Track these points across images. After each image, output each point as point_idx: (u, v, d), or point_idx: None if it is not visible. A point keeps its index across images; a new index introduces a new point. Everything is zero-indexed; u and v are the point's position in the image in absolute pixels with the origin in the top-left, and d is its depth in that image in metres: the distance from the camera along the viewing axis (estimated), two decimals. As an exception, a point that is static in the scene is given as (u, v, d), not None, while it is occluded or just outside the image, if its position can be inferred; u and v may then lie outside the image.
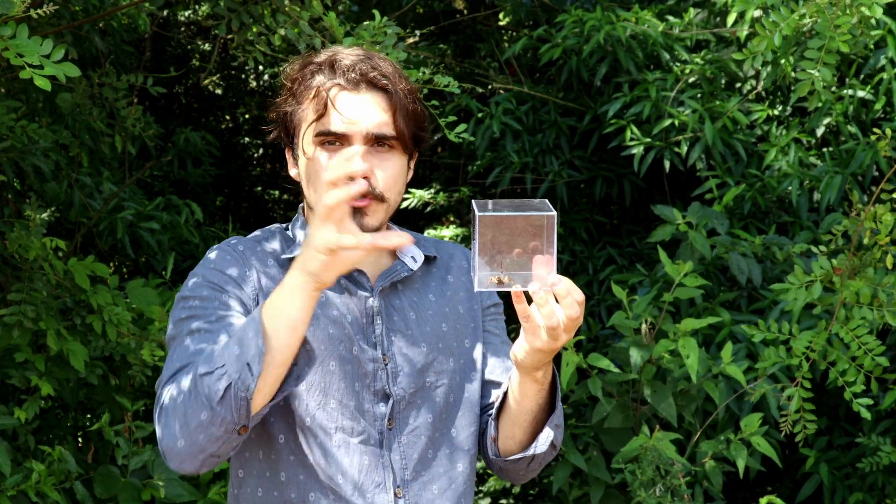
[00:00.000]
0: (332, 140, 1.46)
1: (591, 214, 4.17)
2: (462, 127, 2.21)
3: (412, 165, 1.57)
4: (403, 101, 1.48)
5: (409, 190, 4.44)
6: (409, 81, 1.51)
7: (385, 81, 1.47)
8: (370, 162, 1.46)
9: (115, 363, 2.97)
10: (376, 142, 1.47)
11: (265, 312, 1.29)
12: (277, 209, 5.42)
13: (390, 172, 1.48)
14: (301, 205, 1.60)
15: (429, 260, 1.59)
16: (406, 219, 4.73)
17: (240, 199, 5.35)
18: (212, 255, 1.51)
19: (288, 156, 1.56)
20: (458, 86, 2.15)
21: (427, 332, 1.53)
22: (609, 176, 4.03)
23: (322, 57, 1.49)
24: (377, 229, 1.50)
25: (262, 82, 5.12)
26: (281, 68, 1.55)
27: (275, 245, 1.55)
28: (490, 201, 1.31)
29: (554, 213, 1.25)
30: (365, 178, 1.45)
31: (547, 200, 1.31)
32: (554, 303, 1.30)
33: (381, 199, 1.47)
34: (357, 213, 1.46)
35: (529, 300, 1.32)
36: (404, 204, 4.42)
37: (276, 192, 5.44)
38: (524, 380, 1.44)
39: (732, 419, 3.12)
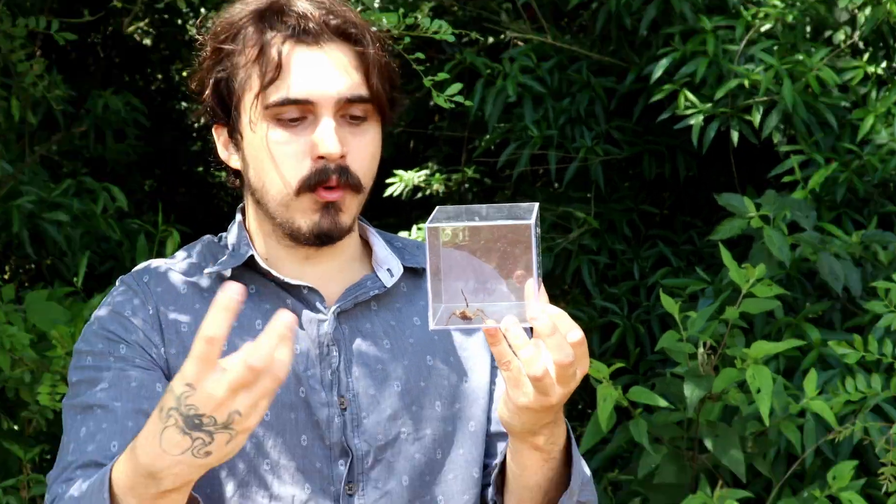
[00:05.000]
0: (296, 117, 1.46)
1: (636, 203, 4.16)
2: (456, 87, 2.17)
3: (381, 138, 1.57)
4: (377, 55, 1.48)
5: (394, 172, 4.42)
6: (376, 28, 1.52)
7: (353, 30, 1.47)
8: (342, 139, 1.46)
9: (10, 400, 2.95)
10: (347, 111, 1.47)
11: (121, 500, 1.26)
12: (224, 196, 5.41)
13: (366, 151, 1.49)
14: (241, 205, 1.60)
15: (416, 272, 1.58)
16: (392, 210, 4.72)
17: (175, 182, 5.35)
18: (115, 290, 1.53)
19: (219, 136, 1.55)
20: (453, 32, 2.13)
21: (405, 367, 1.52)
22: (659, 151, 4.01)
23: (263, 2, 1.48)
24: (349, 229, 1.51)
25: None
26: (210, 16, 1.55)
27: (192, 262, 1.55)
28: (456, 208, 1.31)
29: (529, 222, 1.25)
30: (342, 160, 1.45)
31: (536, 205, 1.30)
32: (538, 344, 1.26)
33: (356, 188, 1.48)
34: (331, 208, 1.47)
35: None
36: (388, 191, 4.40)
37: (223, 175, 5.41)
38: (520, 448, 1.40)
39: (826, 466, 3.10)
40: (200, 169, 5.50)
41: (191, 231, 3.73)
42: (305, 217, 1.48)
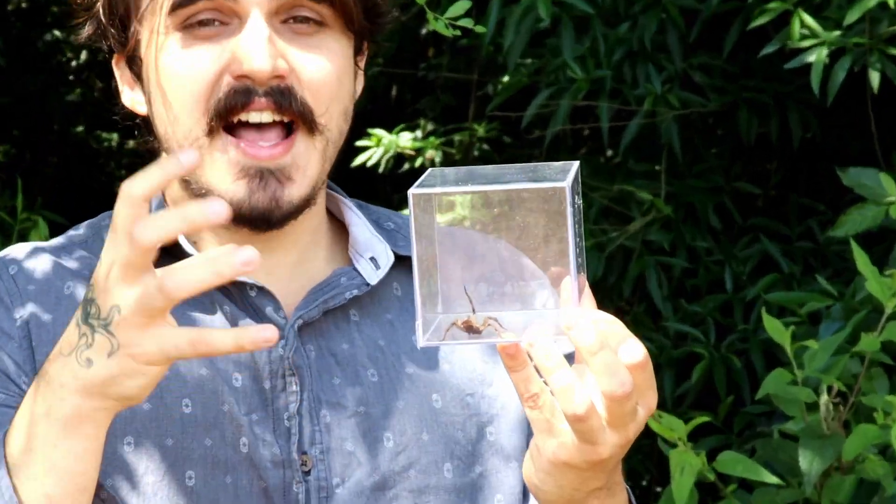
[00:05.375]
0: (209, 18, 1.48)
1: (729, 179, 4.17)
2: (461, 6, 2.17)
3: (361, 65, 1.58)
4: None
5: (369, 131, 4.41)
6: None
7: None
8: (282, 51, 1.48)
9: None
10: (291, 15, 1.49)
11: (15, 467, 1.33)
12: (116, 168, 5.39)
13: (323, 69, 1.50)
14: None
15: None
16: (364, 188, 4.70)
17: (45, 148, 5.34)
18: None
19: (121, 72, 1.58)
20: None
21: (401, 410, 1.54)
22: (762, 103, 4.01)
23: None
24: (304, 203, 1.52)
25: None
26: None
27: (82, 247, 1.58)
28: (457, 169, 1.30)
29: (564, 184, 1.24)
30: (279, 81, 1.47)
31: (575, 164, 1.29)
32: (579, 369, 1.26)
33: (310, 123, 1.50)
34: (269, 177, 1.48)
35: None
36: (359, 159, 4.42)
37: (115, 136, 5.42)
38: None
39: None
40: (81, 128, 5.49)
41: (66, 221, 3.72)
42: (224, 180, 1.49)
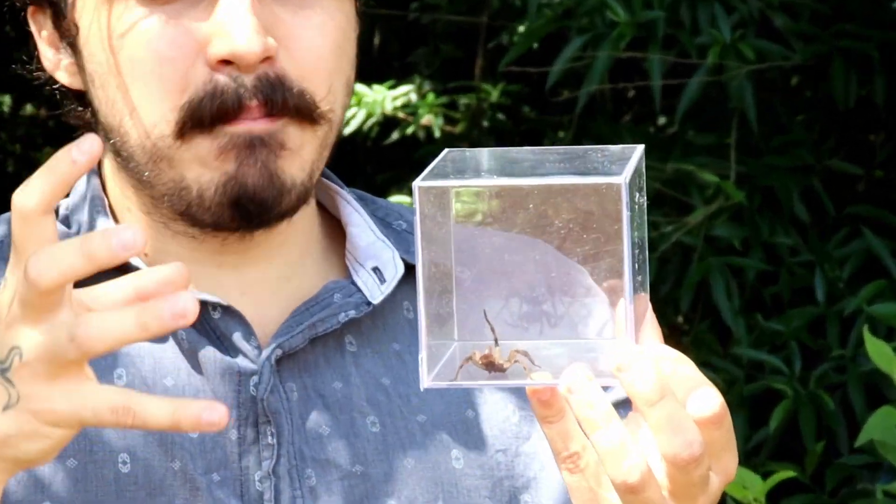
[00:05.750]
0: None
1: (819, 156, 4.19)
2: None
3: (356, 11, 1.59)
4: None
5: (354, 90, 4.43)
6: None
7: None
8: (268, 22, 1.49)
9: None
10: None
11: None
12: (8, 140, 5.41)
13: (322, 38, 1.52)
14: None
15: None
16: (345, 164, 4.69)
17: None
18: None
19: (39, 28, 1.59)
20: None
21: (407, 470, 1.56)
22: (863, 54, 4.03)
23: None
24: (306, 192, 1.52)
25: None
26: None
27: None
28: (478, 152, 1.29)
29: (620, 179, 1.20)
30: (266, 63, 1.48)
31: (639, 149, 1.26)
32: (634, 421, 1.26)
33: (306, 114, 1.50)
34: (260, 146, 1.48)
35: None
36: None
37: (7, 99, 5.43)
38: None
39: None
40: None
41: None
42: (206, 172, 1.49)
